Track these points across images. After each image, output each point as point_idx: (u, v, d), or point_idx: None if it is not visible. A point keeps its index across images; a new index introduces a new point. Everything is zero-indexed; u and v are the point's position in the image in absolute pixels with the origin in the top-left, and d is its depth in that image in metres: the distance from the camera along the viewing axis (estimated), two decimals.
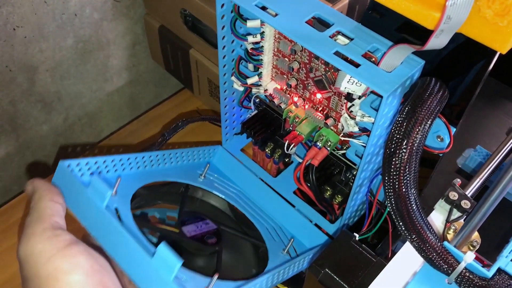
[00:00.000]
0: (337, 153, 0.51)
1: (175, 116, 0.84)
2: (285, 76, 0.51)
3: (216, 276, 0.41)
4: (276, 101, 0.53)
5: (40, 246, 0.33)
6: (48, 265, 0.33)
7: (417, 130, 0.35)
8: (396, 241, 0.48)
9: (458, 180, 0.45)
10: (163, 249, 0.36)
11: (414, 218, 0.36)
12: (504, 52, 0.33)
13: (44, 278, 0.33)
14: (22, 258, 0.34)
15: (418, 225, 0.37)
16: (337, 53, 0.40)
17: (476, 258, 0.38)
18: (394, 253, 0.43)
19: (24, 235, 0.35)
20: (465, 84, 0.42)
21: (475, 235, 0.42)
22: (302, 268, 0.51)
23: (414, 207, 0.36)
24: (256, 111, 0.58)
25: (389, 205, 0.37)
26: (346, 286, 0.41)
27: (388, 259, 0.43)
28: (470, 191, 0.46)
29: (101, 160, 0.46)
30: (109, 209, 0.41)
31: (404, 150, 0.35)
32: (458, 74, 0.42)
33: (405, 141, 0.35)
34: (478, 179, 0.47)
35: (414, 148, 0.35)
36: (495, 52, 0.36)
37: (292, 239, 0.54)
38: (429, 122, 0.36)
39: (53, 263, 0.33)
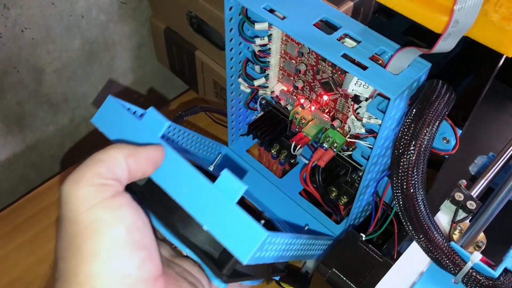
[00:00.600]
0: (343, 154, 0.51)
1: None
2: (292, 78, 0.52)
3: (263, 221, 0.39)
4: (282, 102, 0.54)
5: (84, 191, 0.30)
6: (89, 213, 0.30)
7: (425, 131, 0.36)
8: (402, 242, 0.49)
9: (464, 181, 0.46)
10: (227, 174, 0.34)
11: (422, 218, 0.37)
12: (510, 55, 0.34)
13: (82, 227, 0.30)
14: (63, 198, 0.31)
15: (425, 225, 0.37)
16: (344, 56, 0.41)
17: (482, 260, 0.38)
18: (399, 254, 0.44)
19: (73, 174, 0.31)
20: (464, 86, 0.42)
21: (481, 235, 0.43)
22: (320, 252, 0.49)
23: (422, 208, 0.37)
24: (262, 113, 0.59)
25: (397, 205, 0.38)
26: (353, 285, 0.42)
27: (394, 260, 0.43)
28: (475, 192, 0.47)
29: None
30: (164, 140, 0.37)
31: (412, 151, 0.36)
32: (465, 77, 0.42)
33: (413, 142, 0.36)
34: (483, 180, 0.48)
35: (422, 149, 0.36)
36: (502, 55, 0.37)
37: (307, 225, 0.53)
38: (436, 124, 0.36)
39: (95, 212, 0.30)
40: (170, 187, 0.35)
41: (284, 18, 0.43)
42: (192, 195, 0.34)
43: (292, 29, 0.42)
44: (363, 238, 0.45)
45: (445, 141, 0.44)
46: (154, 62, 0.90)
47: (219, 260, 0.36)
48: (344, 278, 0.42)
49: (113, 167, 0.32)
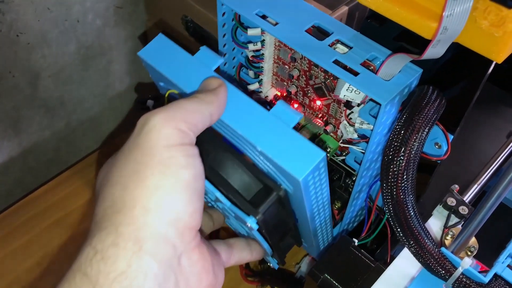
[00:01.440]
0: (336, 159, 0.52)
1: None
2: (285, 83, 0.52)
3: None
4: None
5: (169, 131, 0.32)
6: (167, 151, 0.31)
7: (415, 137, 0.36)
8: (395, 246, 0.49)
9: (456, 186, 0.46)
10: (282, 103, 0.37)
11: (412, 224, 0.37)
12: (500, 61, 0.34)
13: (156, 160, 0.31)
14: (146, 128, 0.32)
15: (415, 231, 0.37)
16: (336, 62, 0.41)
17: (478, 263, 0.38)
18: (393, 258, 0.44)
19: (163, 112, 0.32)
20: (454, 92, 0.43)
21: (473, 240, 0.43)
22: None
23: (412, 213, 0.37)
24: None
25: (387, 211, 0.38)
26: None
27: (387, 264, 0.43)
28: (468, 197, 0.47)
29: None
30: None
31: (402, 158, 0.36)
32: (456, 82, 0.42)
33: (403, 149, 0.36)
34: (476, 185, 0.48)
35: (411, 155, 0.36)
36: (491, 61, 0.37)
37: None
38: (426, 130, 0.36)
39: (173, 152, 0.31)
40: (226, 115, 0.37)
41: (276, 24, 0.44)
42: (247, 121, 0.37)
43: (284, 35, 0.42)
44: (356, 243, 0.45)
45: (437, 146, 0.44)
46: None
47: (252, 202, 0.38)
48: (336, 284, 0.42)
49: (197, 121, 0.34)
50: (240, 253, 0.43)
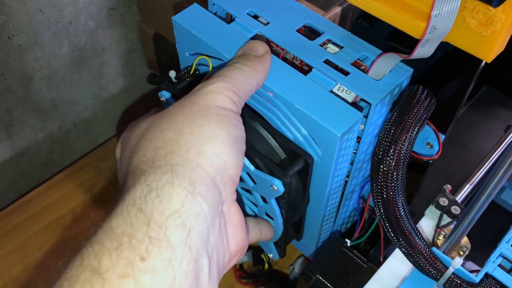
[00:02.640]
0: None
1: None
2: None
3: None
4: None
5: (224, 97, 0.34)
6: (222, 110, 0.33)
7: (404, 137, 0.36)
8: (388, 247, 0.49)
9: (448, 186, 0.46)
10: (318, 70, 0.39)
11: (402, 223, 0.37)
12: (489, 60, 0.34)
13: (212, 113, 0.33)
14: (204, 89, 0.34)
15: (406, 230, 0.37)
16: (327, 61, 0.41)
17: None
18: (386, 259, 0.44)
19: (220, 81, 0.35)
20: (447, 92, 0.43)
21: (465, 240, 0.43)
22: None
23: (402, 213, 0.37)
24: None
25: (377, 211, 0.38)
26: None
27: (380, 265, 0.43)
28: (460, 197, 0.47)
29: None
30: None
31: (392, 157, 0.36)
32: (447, 82, 0.42)
33: (393, 148, 0.36)
34: (468, 185, 0.48)
35: (401, 154, 0.36)
36: (481, 60, 0.37)
37: None
38: (416, 129, 0.36)
39: (227, 112, 0.34)
40: (268, 79, 0.39)
41: (267, 23, 0.43)
42: (284, 83, 0.39)
43: (275, 35, 0.42)
44: (348, 244, 0.45)
45: (428, 146, 0.44)
46: (144, 68, 0.90)
47: (279, 165, 0.39)
48: (328, 284, 0.42)
49: (247, 93, 0.37)
50: (251, 231, 0.43)
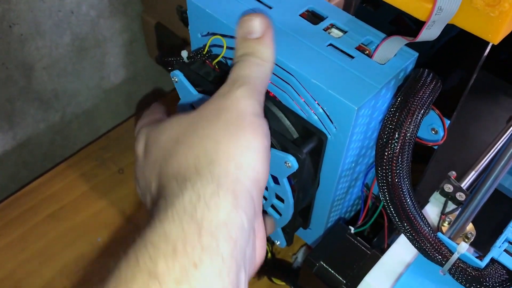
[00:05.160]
0: None
1: (172, 113, 0.84)
2: None
3: None
4: None
5: (254, 101, 0.34)
6: (255, 117, 0.34)
7: (409, 120, 0.35)
8: (392, 235, 0.48)
9: (453, 172, 0.45)
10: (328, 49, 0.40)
11: (407, 208, 0.37)
12: (496, 42, 0.34)
13: (247, 122, 0.33)
14: (236, 96, 0.34)
15: (411, 215, 0.37)
16: (331, 46, 0.40)
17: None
18: (390, 246, 0.43)
19: (248, 84, 0.35)
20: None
21: (470, 227, 0.43)
22: None
23: (407, 197, 0.36)
24: None
25: (382, 196, 0.37)
26: (340, 278, 0.41)
27: (383, 252, 0.43)
28: (465, 183, 0.46)
29: None
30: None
31: (396, 141, 0.35)
32: (453, 66, 0.42)
33: (398, 132, 0.36)
34: (473, 172, 0.47)
35: (406, 139, 0.36)
36: (488, 42, 0.36)
37: None
38: (421, 113, 0.36)
39: (259, 120, 0.34)
40: (282, 56, 0.39)
41: (270, 8, 0.43)
42: (299, 59, 0.38)
43: (278, 19, 0.42)
44: (352, 231, 0.45)
45: (433, 132, 0.43)
46: (146, 58, 0.90)
47: (294, 142, 0.39)
48: (332, 271, 0.42)
49: (266, 87, 0.37)
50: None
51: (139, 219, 0.72)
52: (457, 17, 0.34)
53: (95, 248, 0.69)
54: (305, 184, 0.42)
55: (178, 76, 0.43)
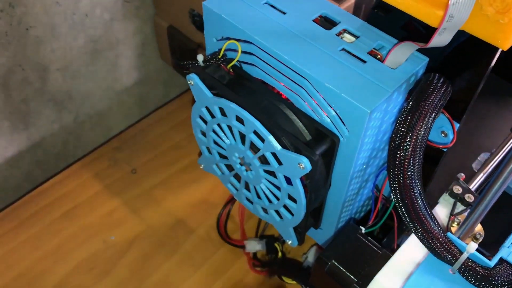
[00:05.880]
0: None
1: (184, 115, 0.85)
2: None
3: None
4: None
5: None
6: None
7: (421, 124, 0.36)
8: (401, 235, 0.49)
9: (462, 174, 0.46)
10: (341, 54, 0.41)
11: (418, 209, 0.38)
12: (505, 48, 0.34)
13: None
14: None
15: (422, 215, 0.38)
16: (343, 50, 0.41)
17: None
18: (399, 247, 0.44)
19: None
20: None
21: (479, 227, 0.43)
22: None
23: (418, 199, 0.37)
24: None
25: (394, 197, 0.38)
26: (352, 276, 0.42)
27: (393, 252, 0.44)
28: (474, 185, 0.47)
29: None
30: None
31: (409, 143, 0.36)
32: (463, 70, 0.43)
33: (409, 135, 0.37)
34: (482, 174, 0.48)
35: (418, 141, 0.37)
36: (497, 48, 0.37)
37: None
38: (432, 116, 0.37)
39: None
40: (295, 59, 0.40)
41: (284, 14, 0.44)
42: (313, 63, 0.40)
43: (292, 24, 0.43)
44: (363, 231, 0.46)
45: (443, 135, 0.44)
46: (158, 60, 0.91)
47: (307, 144, 0.40)
48: (343, 270, 0.43)
49: None
50: None
51: (151, 219, 0.74)
52: (467, 23, 0.35)
53: (108, 247, 0.70)
54: (317, 185, 0.43)
55: (194, 79, 0.44)
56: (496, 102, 0.61)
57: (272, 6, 0.45)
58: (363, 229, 0.46)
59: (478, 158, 0.56)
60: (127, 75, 0.88)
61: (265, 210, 0.49)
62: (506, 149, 0.49)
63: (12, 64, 0.70)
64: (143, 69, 0.90)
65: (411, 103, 0.37)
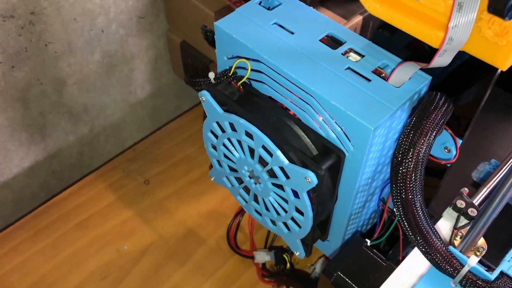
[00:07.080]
0: None
1: (196, 127, 0.87)
2: None
3: None
4: None
5: None
6: None
7: (423, 141, 0.38)
8: (407, 248, 0.50)
9: (466, 189, 0.47)
10: (346, 72, 0.43)
11: (420, 222, 0.39)
12: (504, 69, 0.36)
13: None
14: None
15: (424, 229, 0.39)
16: (349, 69, 0.43)
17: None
18: (404, 259, 0.45)
19: None
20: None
21: (481, 241, 0.45)
22: None
23: (420, 213, 0.39)
24: None
25: (396, 211, 0.40)
26: None
27: (398, 264, 0.45)
28: (477, 199, 0.48)
29: None
30: None
31: (410, 160, 0.38)
32: (465, 89, 0.44)
33: (411, 151, 0.38)
34: (485, 188, 0.49)
35: (419, 157, 0.38)
36: (497, 68, 0.39)
37: None
38: (434, 134, 0.38)
39: None
40: (302, 78, 0.42)
41: (292, 33, 0.46)
42: (319, 81, 0.41)
43: (300, 44, 0.45)
44: (368, 244, 0.47)
45: (446, 150, 0.46)
46: (171, 74, 0.93)
47: (313, 159, 0.42)
48: (349, 281, 0.44)
49: None
50: None
51: (163, 229, 0.75)
52: (467, 45, 0.36)
53: (121, 256, 0.72)
54: (323, 199, 0.45)
55: (205, 96, 0.46)
56: (501, 115, 0.62)
57: (280, 26, 0.46)
58: (368, 241, 0.47)
59: (478, 168, 0.57)
60: (141, 89, 0.91)
61: (273, 222, 0.51)
62: (509, 163, 0.50)
63: (31, 78, 0.73)
64: (156, 83, 0.92)
65: (413, 120, 0.39)
